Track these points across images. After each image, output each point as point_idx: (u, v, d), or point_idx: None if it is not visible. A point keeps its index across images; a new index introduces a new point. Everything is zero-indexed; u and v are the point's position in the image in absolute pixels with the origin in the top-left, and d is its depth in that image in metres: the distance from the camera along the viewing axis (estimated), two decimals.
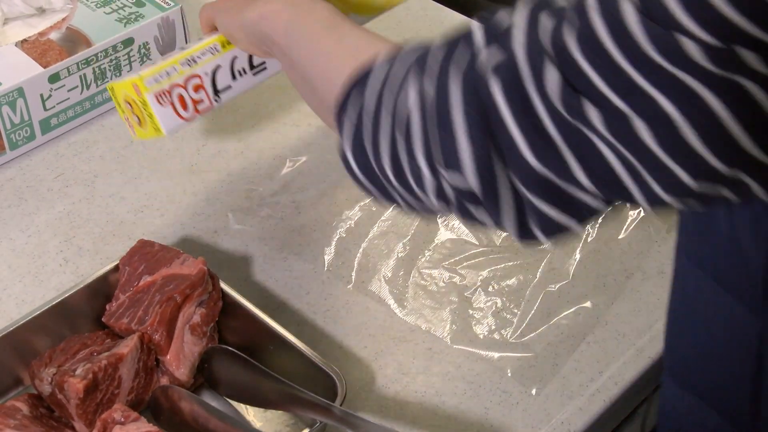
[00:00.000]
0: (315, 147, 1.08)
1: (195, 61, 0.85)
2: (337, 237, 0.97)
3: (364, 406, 0.83)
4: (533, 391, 0.84)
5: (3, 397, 0.81)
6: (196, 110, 0.85)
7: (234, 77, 0.87)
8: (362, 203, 1.01)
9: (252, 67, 0.88)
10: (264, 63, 0.89)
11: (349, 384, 0.78)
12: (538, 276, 0.94)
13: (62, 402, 0.75)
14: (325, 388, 0.78)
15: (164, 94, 0.83)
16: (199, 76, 0.85)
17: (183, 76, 0.84)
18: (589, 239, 0.97)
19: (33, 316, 0.81)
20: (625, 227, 0.99)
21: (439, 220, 0.99)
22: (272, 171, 1.05)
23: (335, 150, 1.06)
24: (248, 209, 1.00)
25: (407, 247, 0.96)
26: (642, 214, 1.00)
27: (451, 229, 0.98)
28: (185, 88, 0.84)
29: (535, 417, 0.82)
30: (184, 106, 0.84)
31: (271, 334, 0.81)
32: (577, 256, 0.96)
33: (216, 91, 0.86)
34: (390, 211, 1.00)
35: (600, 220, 0.99)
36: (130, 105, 0.86)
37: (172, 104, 0.83)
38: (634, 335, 0.89)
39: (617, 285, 0.94)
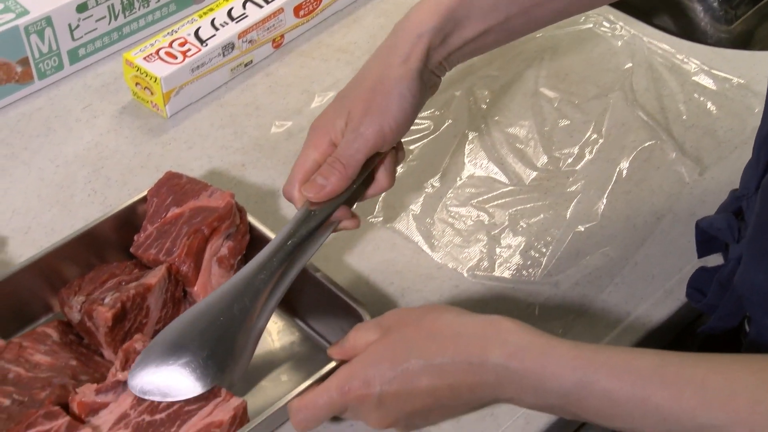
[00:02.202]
0: (343, 82, 1.06)
1: (176, 31, 1.03)
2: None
3: None
4: (560, 331, 0.84)
5: (33, 323, 0.81)
6: (185, 56, 1.00)
7: (216, 29, 1.04)
8: None
9: (232, 18, 1.04)
10: (245, 13, 1.05)
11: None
12: (567, 216, 0.93)
13: (91, 330, 0.76)
14: (352, 323, 0.78)
15: (151, 55, 1.01)
16: (182, 37, 1.02)
17: (167, 41, 1.02)
18: (622, 178, 0.96)
19: (62, 244, 0.81)
20: (656, 167, 0.98)
21: (467, 158, 0.98)
22: (301, 106, 1.04)
23: None
24: (276, 143, 1.00)
25: (435, 185, 0.96)
26: (675, 155, 0.98)
27: (480, 166, 0.98)
28: (170, 46, 1.01)
29: None
30: (173, 57, 1.01)
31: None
32: (607, 198, 0.95)
33: (201, 41, 1.02)
34: (419, 149, 0.99)
35: (631, 159, 0.98)
36: (139, 84, 1.01)
37: (161, 59, 1.00)
38: (663, 277, 0.89)
39: (647, 227, 0.93)
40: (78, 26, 1.03)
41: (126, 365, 0.71)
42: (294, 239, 0.75)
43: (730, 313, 0.78)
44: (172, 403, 0.70)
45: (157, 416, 0.69)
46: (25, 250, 0.88)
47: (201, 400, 0.70)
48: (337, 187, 0.77)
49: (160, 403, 0.70)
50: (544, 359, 0.63)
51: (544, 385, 0.63)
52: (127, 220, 0.85)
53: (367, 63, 0.80)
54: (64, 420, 0.68)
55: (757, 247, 0.71)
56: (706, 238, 0.85)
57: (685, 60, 1.09)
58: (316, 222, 0.77)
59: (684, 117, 1.03)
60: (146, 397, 0.70)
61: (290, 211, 0.93)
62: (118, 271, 0.80)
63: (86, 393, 0.70)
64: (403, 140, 0.99)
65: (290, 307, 0.84)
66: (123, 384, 0.70)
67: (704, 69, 1.08)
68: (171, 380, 0.70)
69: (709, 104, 1.04)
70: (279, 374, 0.80)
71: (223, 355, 0.71)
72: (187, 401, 0.70)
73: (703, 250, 0.86)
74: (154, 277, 0.78)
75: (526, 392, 0.64)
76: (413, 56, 0.77)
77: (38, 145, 0.99)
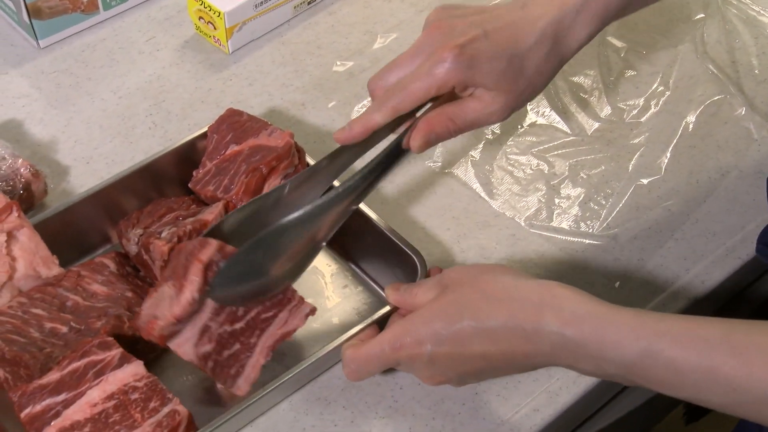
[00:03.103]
0: (406, 24, 1.05)
1: None
2: None
3: None
4: (617, 284, 0.83)
5: (92, 253, 0.83)
6: None
7: None
8: None
9: None
10: None
11: (429, 265, 0.78)
12: (629, 169, 0.91)
13: (147, 263, 0.77)
14: (405, 268, 0.78)
15: None
16: None
17: None
18: (687, 132, 0.94)
19: (122, 176, 0.82)
20: (724, 122, 0.95)
21: (529, 106, 0.97)
22: (363, 46, 1.03)
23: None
24: (337, 83, 0.99)
25: (496, 132, 0.94)
26: (744, 111, 0.96)
27: (542, 115, 0.96)
28: None
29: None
30: None
31: (353, 211, 0.81)
32: (671, 151, 0.93)
33: None
34: None
35: (698, 113, 0.95)
36: (203, 18, 0.99)
37: None
38: (725, 235, 0.87)
39: (711, 183, 0.91)
40: None
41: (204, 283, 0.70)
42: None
43: None
44: (249, 311, 0.72)
45: (237, 325, 0.71)
46: (86, 180, 0.89)
47: (276, 306, 0.72)
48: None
49: (237, 311, 0.71)
50: (604, 328, 0.62)
51: (604, 355, 0.62)
52: (187, 155, 0.85)
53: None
54: (117, 351, 0.69)
55: None
56: None
57: (762, 12, 1.05)
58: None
59: (756, 71, 1.00)
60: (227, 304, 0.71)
61: None
62: (176, 205, 0.81)
63: (163, 323, 0.69)
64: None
65: (344, 251, 0.84)
66: (198, 300, 0.70)
67: None
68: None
69: None
70: (331, 317, 0.80)
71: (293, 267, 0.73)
72: (264, 308, 0.72)
73: None
74: (211, 213, 0.78)
75: (584, 361, 0.63)
76: (576, 34, 0.72)
77: (101, 76, 0.99)
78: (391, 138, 0.75)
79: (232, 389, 0.71)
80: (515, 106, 0.73)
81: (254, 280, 0.71)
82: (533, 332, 0.64)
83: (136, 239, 0.77)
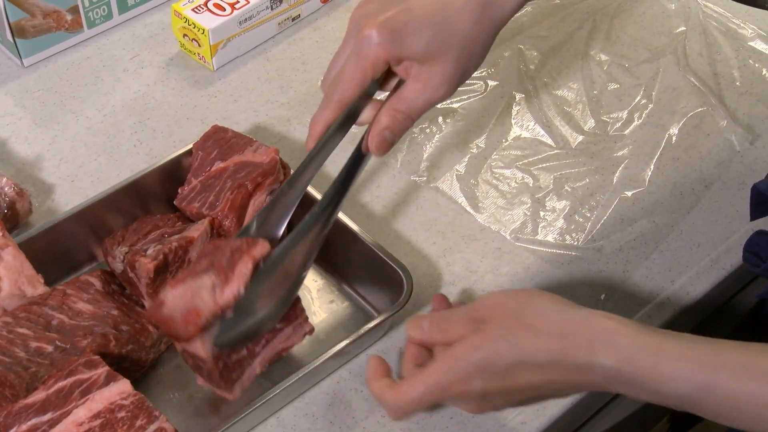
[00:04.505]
0: None
1: None
2: (411, 132, 0.96)
3: (429, 302, 0.83)
4: (602, 297, 0.83)
5: (77, 271, 0.83)
6: (233, 8, 1.00)
7: None
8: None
9: None
10: None
11: (415, 280, 0.78)
12: (614, 181, 0.92)
13: (133, 280, 0.77)
14: (392, 283, 0.78)
15: (200, 6, 1.00)
16: None
17: None
18: (671, 144, 0.95)
19: (107, 194, 0.82)
20: (707, 133, 0.96)
21: (513, 120, 0.97)
22: None
23: None
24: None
25: (481, 146, 0.95)
26: (726, 123, 0.96)
27: (526, 128, 0.96)
28: None
29: None
30: (221, 9, 1.00)
31: (339, 227, 0.81)
32: (655, 164, 0.93)
33: None
34: (465, 109, 0.98)
35: (681, 125, 0.96)
36: (187, 35, 1.00)
37: (209, 10, 0.99)
38: (709, 246, 0.87)
39: (694, 194, 0.91)
40: None
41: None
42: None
43: None
44: None
45: None
46: (71, 198, 0.89)
47: (284, 320, 0.74)
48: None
49: None
50: (660, 363, 0.60)
51: (660, 389, 0.60)
52: (172, 173, 0.85)
53: None
54: (103, 369, 0.69)
55: None
56: (762, 201, 0.82)
57: (741, 25, 1.06)
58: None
59: (737, 83, 1.00)
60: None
61: (334, 169, 0.92)
62: (162, 223, 0.81)
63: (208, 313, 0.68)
64: (449, 100, 0.98)
65: (330, 267, 0.84)
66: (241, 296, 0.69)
67: (761, 34, 1.05)
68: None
69: (764, 71, 1.02)
70: (318, 333, 0.80)
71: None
72: None
73: (757, 212, 0.84)
74: (197, 230, 0.78)
75: (640, 393, 0.62)
76: None
77: (86, 94, 0.99)
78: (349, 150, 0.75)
79: (227, 394, 0.71)
80: (458, 78, 0.71)
81: (245, 320, 0.70)
82: (586, 367, 0.62)
83: (122, 257, 0.77)
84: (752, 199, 0.84)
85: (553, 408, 0.76)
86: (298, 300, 0.74)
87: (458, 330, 0.67)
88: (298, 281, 0.73)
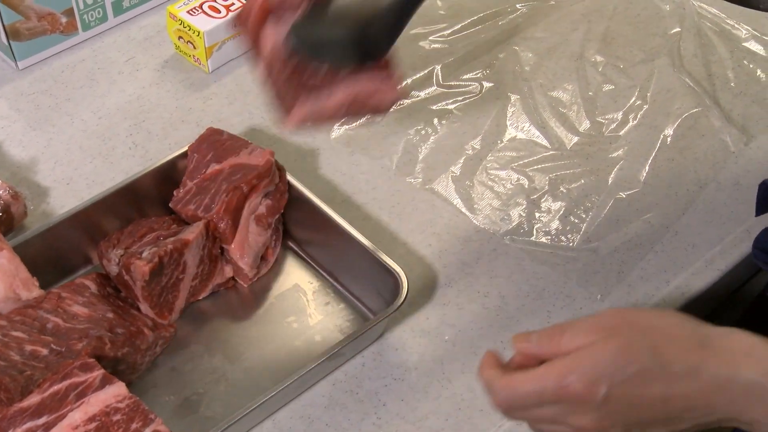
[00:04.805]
0: None
1: None
2: (407, 134, 0.96)
3: (425, 303, 0.83)
4: (598, 297, 0.83)
5: (72, 274, 0.83)
6: (228, 10, 0.99)
7: None
8: (432, 104, 0.99)
9: None
10: None
11: (411, 281, 0.78)
12: (609, 182, 0.92)
13: (128, 283, 0.77)
14: (387, 284, 0.78)
15: (195, 9, 1.00)
16: None
17: None
18: (666, 145, 0.95)
19: (102, 197, 0.82)
20: (701, 134, 0.96)
21: (509, 121, 0.97)
22: None
23: (406, 44, 1.04)
24: None
25: (476, 147, 0.95)
26: (721, 124, 0.96)
27: (521, 129, 0.96)
28: (214, 0, 1.00)
29: None
30: (217, 11, 1.00)
31: (335, 228, 0.81)
32: (650, 165, 0.93)
33: None
34: (460, 111, 0.98)
35: (676, 126, 0.96)
36: (182, 38, 1.00)
37: (205, 12, 0.99)
38: (704, 246, 0.87)
39: (689, 195, 0.91)
40: None
41: None
42: None
43: None
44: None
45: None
46: (66, 200, 0.89)
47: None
48: None
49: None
50: None
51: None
52: (168, 175, 0.85)
53: None
54: (98, 372, 0.68)
55: None
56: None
57: (736, 25, 1.06)
58: None
59: (732, 84, 1.00)
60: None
61: (329, 171, 0.93)
62: (157, 225, 0.81)
63: None
64: (444, 102, 0.99)
65: (326, 268, 0.84)
66: None
67: (755, 35, 1.05)
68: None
69: (759, 71, 1.02)
70: (313, 334, 0.80)
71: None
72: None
73: (762, 207, 0.83)
74: (192, 233, 0.78)
75: None
76: None
77: (81, 97, 0.99)
78: None
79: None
80: None
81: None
82: (726, 380, 0.57)
83: (117, 260, 0.77)
84: (759, 194, 0.83)
85: None
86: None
87: (576, 341, 0.60)
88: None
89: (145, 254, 0.76)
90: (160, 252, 0.76)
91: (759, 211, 0.84)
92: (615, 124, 0.97)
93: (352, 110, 0.66)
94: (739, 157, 0.94)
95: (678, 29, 1.06)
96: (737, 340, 0.59)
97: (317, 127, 0.68)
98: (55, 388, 0.68)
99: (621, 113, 0.98)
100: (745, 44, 1.04)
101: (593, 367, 0.58)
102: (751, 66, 1.02)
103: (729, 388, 0.57)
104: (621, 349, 0.58)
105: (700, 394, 0.58)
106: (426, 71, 1.02)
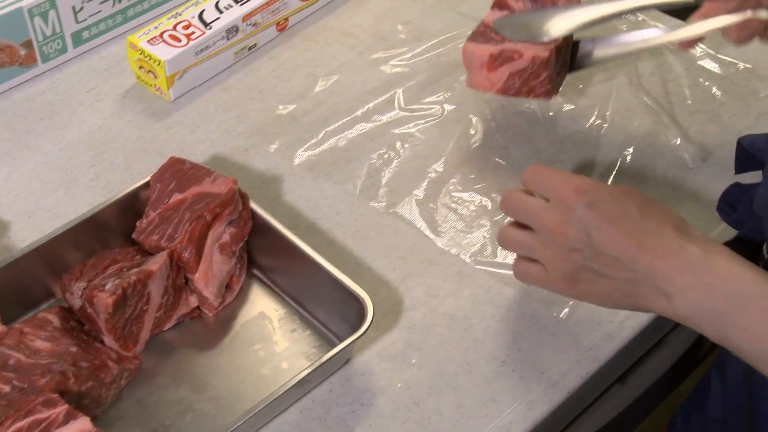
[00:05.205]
0: (347, 66, 1.06)
1: (180, 14, 1.03)
2: (369, 158, 0.96)
3: (391, 327, 0.83)
4: (562, 315, 0.84)
5: (35, 308, 0.82)
6: (189, 39, 1.00)
7: (220, 12, 1.03)
8: (395, 127, 1.00)
9: (236, 1, 1.04)
10: None
11: (377, 306, 0.79)
12: None
13: (92, 316, 0.76)
14: (353, 310, 0.78)
15: (155, 38, 1.00)
16: (186, 20, 1.02)
17: (170, 24, 1.01)
18: (626, 163, 0.96)
19: (65, 229, 0.81)
20: (660, 152, 0.97)
21: (471, 143, 0.98)
22: (304, 89, 1.04)
23: (368, 68, 1.05)
24: (280, 127, 1.00)
25: (439, 170, 0.95)
26: (679, 141, 0.98)
27: (483, 151, 0.97)
28: (174, 29, 1.01)
29: (564, 342, 0.82)
30: (177, 40, 1.00)
31: (300, 254, 0.81)
32: (611, 183, 0.94)
33: (205, 24, 1.02)
34: (423, 134, 0.99)
35: (635, 144, 0.97)
36: (143, 67, 1.00)
37: (165, 42, 1.00)
38: None
39: None
40: (82, 8, 1.03)
41: None
42: None
43: (755, 230, 0.78)
44: None
45: None
46: (28, 234, 0.88)
47: None
48: None
49: None
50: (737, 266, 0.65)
51: (717, 284, 0.65)
52: (130, 206, 0.85)
53: None
54: (62, 408, 0.68)
55: None
56: (746, 155, 0.84)
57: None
58: None
59: (689, 101, 1.02)
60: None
61: (293, 198, 0.93)
62: (120, 257, 0.80)
63: None
64: (406, 125, 0.99)
65: (292, 294, 0.84)
66: None
67: (710, 53, 1.07)
68: None
69: (714, 89, 1.03)
70: (280, 362, 0.80)
71: None
72: None
73: (740, 167, 0.86)
74: (156, 263, 0.78)
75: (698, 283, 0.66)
76: None
77: (42, 129, 0.99)
78: None
79: None
80: None
81: None
82: (682, 231, 0.69)
83: (80, 293, 0.76)
84: (737, 153, 0.85)
85: (516, 429, 0.77)
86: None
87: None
88: None
89: (108, 286, 0.75)
90: (124, 283, 0.75)
91: (738, 170, 0.86)
92: (576, 143, 0.98)
93: None
94: (698, 173, 0.95)
95: (639, 17, 1.07)
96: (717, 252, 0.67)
97: None
98: (18, 425, 0.67)
99: (582, 133, 0.99)
100: (700, 62, 1.06)
101: (592, 184, 0.72)
102: (706, 84, 1.04)
103: (677, 250, 0.67)
104: (620, 188, 0.72)
105: (655, 238, 0.68)
106: (388, 95, 1.03)
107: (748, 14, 0.81)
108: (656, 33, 0.90)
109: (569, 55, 0.93)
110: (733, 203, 0.84)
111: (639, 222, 0.70)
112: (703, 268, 0.66)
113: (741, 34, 0.83)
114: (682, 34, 0.86)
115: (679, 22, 1.07)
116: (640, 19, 1.10)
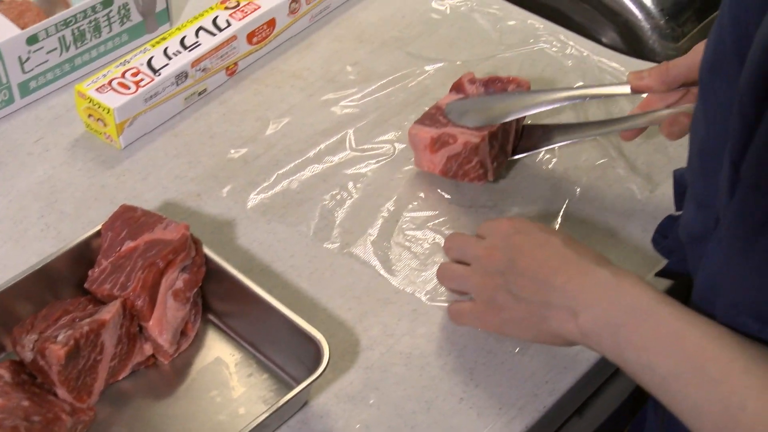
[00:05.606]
0: (297, 108, 1.07)
1: (128, 61, 1.03)
2: (322, 199, 0.97)
3: (348, 368, 0.83)
4: (517, 350, 0.84)
5: None
6: (138, 86, 1.00)
7: (169, 58, 1.03)
8: (347, 168, 1.00)
9: (185, 47, 1.04)
10: (197, 41, 1.05)
11: (333, 347, 0.78)
12: None
13: (44, 368, 0.75)
14: (309, 352, 0.78)
15: (104, 86, 1.00)
16: (134, 67, 1.02)
17: (119, 71, 1.02)
18: (576, 196, 0.97)
19: (15, 281, 0.80)
20: (609, 184, 0.99)
21: (422, 181, 0.99)
22: (255, 133, 1.04)
23: (318, 110, 1.06)
24: (232, 172, 1.00)
25: (391, 209, 0.96)
26: (626, 173, 0.99)
27: (435, 189, 0.98)
28: (123, 76, 1.01)
29: (520, 376, 0.83)
30: (126, 87, 1.00)
31: (254, 298, 0.81)
32: (561, 216, 0.95)
33: (154, 71, 1.02)
34: (374, 173, 0.99)
35: (584, 178, 0.99)
36: (92, 116, 1.00)
37: (114, 89, 1.00)
38: None
39: (603, 245, 0.93)
40: (28, 58, 1.03)
41: None
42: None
43: (683, 259, 0.80)
44: None
45: None
46: None
47: None
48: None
49: None
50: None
51: (620, 299, 0.69)
52: (82, 255, 0.84)
53: None
54: None
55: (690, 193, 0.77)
56: (680, 188, 0.86)
57: None
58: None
59: None
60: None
61: (246, 241, 0.93)
62: (72, 307, 0.80)
63: None
64: (358, 165, 1.00)
65: (248, 339, 0.84)
66: None
67: None
68: None
69: None
70: (237, 407, 0.79)
71: None
72: None
73: (678, 201, 0.88)
74: (108, 312, 0.77)
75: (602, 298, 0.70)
76: None
77: None
78: None
79: None
80: None
81: None
82: (593, 269, 0.72)
83: (31, 345, 0.75)
84: (675, 187, 0.88)
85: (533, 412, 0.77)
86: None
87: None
88: None
89: (60, 338, 0.75)
90: (76, 334, 0.75)
91: (678, 205, 0.88)
92: (526, 179, 0.99)
93: None
94: (646, 204, 0.97)
95: (581, 83, 1.09)
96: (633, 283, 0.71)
97: None
98: None
99: (532, 167, 1.00)
100: (644, 95, 1.08)
101: (525, 221, 0.80)
102: None
103: (590, 273, 0.72)
104: (551, 227, 0.82)
105: (573, 263, 0.73)
106: (339, 136, 1.03)
107: (683, 108, 0.86)
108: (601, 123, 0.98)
109: (511, 141, 0.97)
110: (664, 232, 0.88)
111: (561, 250, 0.75)
112: (611, 287, 0.71)
113: (671, 129, 0.88)
114: (625, 125, 0.93)
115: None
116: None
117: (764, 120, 0.58)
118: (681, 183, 0.86)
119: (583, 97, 0.95)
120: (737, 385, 0.62)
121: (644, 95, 0.92)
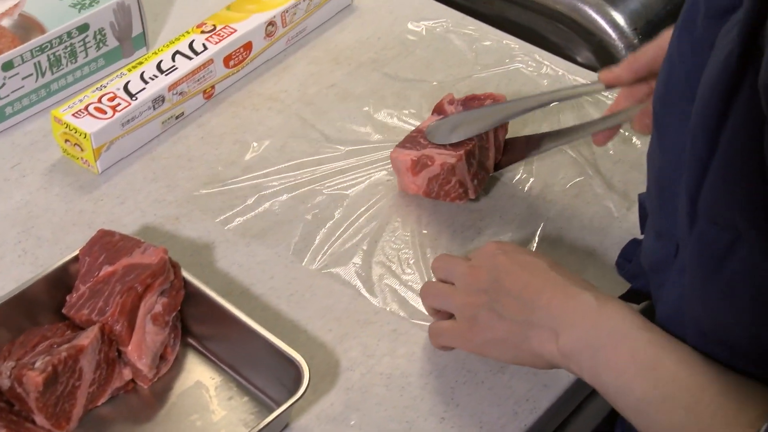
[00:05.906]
0: (276, 130, 1.07)
1: (105, 86, 1.03)
2: (302, 221, 0.97)
3: (329, 389, 0.83)
4: (497, 369, 0.84)
5: None
6: (115, 111, 1.00)
7: (146, 82, 1.03)
8: (327, 189, 1.00)
9: (161, 71, 1.05)
10: (174, 65, 1.05)
11: (314, 368, 0.78)
12: None
13: (21, 396, 0.74)
14: (289, 374, 0.78)
15: (80, 111, 1.00)
16: (111, 92, 1.02)
17: (95, 96, 1.01)
18: (552, 215, 0.98)
19: None
20: (586, 202, 0.99)
21: (401, 201, 0.99)
22: (234, 156, 1.04)
23: (297, 133, 1.06)
24: (210, 195, 1.00)
25: (372, 229, 0.96)
26: (603, 191, 1.00)
27: (415, 209, 0.98)
28: (99, 101, 1.01)
29: (501, 394, 0.83)
30: (103, 112, 1.00)
31: (234, 321, 0.81)
32: (539, 236, 0.96)
33: (131, 95, 1.02)
34: (353, 194, 1.00)
35: (562, 197, 0.99)
36: (69, 141, 1.00)
37: (90, 114, 1.00)
38: None
39: (580, 263, 0.94)
40: (4, 84, 1.03)
41: None
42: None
43: (645, 284, 0.81)
44: None
45: None
46: None
47: None
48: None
49: None
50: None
51: (602, 322, 0.69)
52: (60, 281, 0.84)
53: None
54: None
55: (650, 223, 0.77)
56: (646, 214, 0.86)
57: (610, 96, 1.11)
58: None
59: (611, 152, 1.04)
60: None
61: (226, 264, 0.92)
62: (50, 333, 0.79)
63: None
64: (338, 186, 1.00)
65: (228, 362, 0.84)
66: None
67: None
68: None
69: (634, 138, 1.06)
70: (217, 430, 0.79)
71: None
72: None
73: (643, 225, 0.88)
74: (87, 338, 0.77)
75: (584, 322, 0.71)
76: None
77: None
78: None
79: None
80: None
81: None
82: (577, 293, 0.73)
83: (9, 372, 0.75)
84: (639, 211, 0.89)
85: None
86: None
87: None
88: None
89: (37, 364, 0.74)
90: (54, 360, 0.74)
91: (643, 230, 0.88)
92: (503, 198, 0.99)
93: None
94: (623, 222, 0.98)
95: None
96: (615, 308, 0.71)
97: None
98: None
99: (508, 187, 1.01)
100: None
101: (507, 244, 0.82)
102: (626, 133, 1.06)
103: (574, 295, 0.72)
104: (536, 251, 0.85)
105: (557, 285, 0.74)
106: (317, 157, 1.03)
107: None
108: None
109: (491, 156, 0.98)
110: (628, 257, 0.88)
111: (546, 272, 0.76)
112: (594, 309, 0.71)
113: (643, 122, 0.89)
114: (602, 125, 0.94)
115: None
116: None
117: (716, 157, 0.58)
118: (645, 207, 0.86)
119: (558, 99, 0.97)
120: (705, 415, 0.63)
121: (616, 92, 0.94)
